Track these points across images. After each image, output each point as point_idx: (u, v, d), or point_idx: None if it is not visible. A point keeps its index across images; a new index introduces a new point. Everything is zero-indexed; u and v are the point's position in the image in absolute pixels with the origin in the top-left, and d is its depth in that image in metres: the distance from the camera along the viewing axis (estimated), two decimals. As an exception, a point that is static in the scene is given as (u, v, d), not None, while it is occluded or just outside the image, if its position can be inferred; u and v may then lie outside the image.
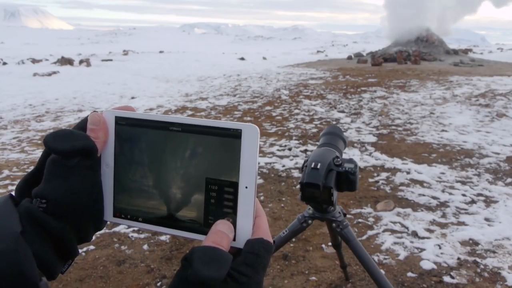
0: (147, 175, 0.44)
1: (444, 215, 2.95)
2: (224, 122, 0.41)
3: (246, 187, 0.41)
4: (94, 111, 0.44)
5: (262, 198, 3.28)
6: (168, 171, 0.43)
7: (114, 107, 0.46)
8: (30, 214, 0.39)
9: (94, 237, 0.43)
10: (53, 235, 0.40)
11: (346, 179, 1.32)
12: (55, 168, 0.40)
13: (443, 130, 5.52)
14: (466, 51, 24.31)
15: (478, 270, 2.26)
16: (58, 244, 0.41)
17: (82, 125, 0.44)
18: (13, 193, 0.43)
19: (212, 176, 0.42)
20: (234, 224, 0.41)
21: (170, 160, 0.43)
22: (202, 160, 0.42)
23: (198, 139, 0.42)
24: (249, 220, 0.41)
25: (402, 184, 3.55)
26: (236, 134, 0.41)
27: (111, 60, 17.58)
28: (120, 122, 0.44)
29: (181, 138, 0.42)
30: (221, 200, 0.42)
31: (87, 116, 0.44)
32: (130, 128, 0.44)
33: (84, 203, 0.42)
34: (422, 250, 2.46)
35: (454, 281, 2.16)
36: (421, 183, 3.58)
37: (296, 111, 6.90)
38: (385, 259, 2.38)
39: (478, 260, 2.36)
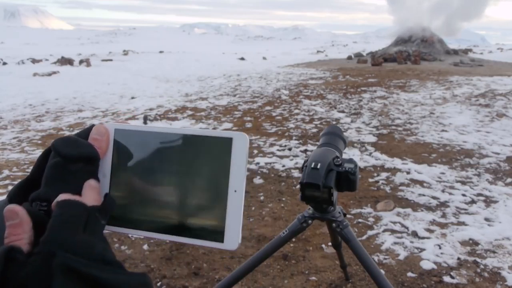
0: (141, 185, 0.46)
1: (444, 215, 2.95)
2: (216, 131, 0.45)
3: (235, 191, 0.43)
4: (100, 123, 0.47)
5: (262, 198, 3.28)
6: (162, 179, 0.46)
7: (114, 121, 0.48)
8: (31, 216, 0.39)
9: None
10: None
11: (346, 179, 1.32)
12: (58, 171, 0.42)
13: (443, 130, 5.52)
14: (466, 51, 24.27)
15: (478, 270, 2.27)
16: None
17: (85, 134, 0.46)
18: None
19: (204, 180, 0.45)
20: (223, 226, 0.43)
21: (164, 169, 0.46)
22: (195, 167, 0.45)
23: (192, 148, 0.45)
24: (238, 222, 0.43)
25: (402, 184, 3.55)
26: (227, 142, 0.44)
27: (111, 60, 17.56)
28: (119, 134, 0.47)
29: (176, 148, 0.46)
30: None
31: (90, 126, 0.47)
32: (127, 140, 0.47)
33: None
34: (422, 250, 2.46)
35: (454, 281, 2.16)
36: (421, 183, 3.58)
37: (296, 111, 6.90)
38: (385, 259, 2.38)
39: (478, 260, 2.36)
